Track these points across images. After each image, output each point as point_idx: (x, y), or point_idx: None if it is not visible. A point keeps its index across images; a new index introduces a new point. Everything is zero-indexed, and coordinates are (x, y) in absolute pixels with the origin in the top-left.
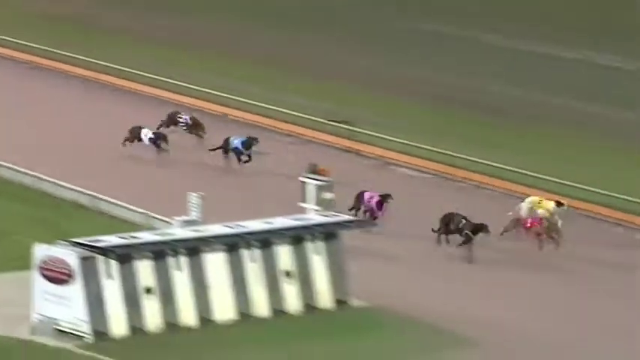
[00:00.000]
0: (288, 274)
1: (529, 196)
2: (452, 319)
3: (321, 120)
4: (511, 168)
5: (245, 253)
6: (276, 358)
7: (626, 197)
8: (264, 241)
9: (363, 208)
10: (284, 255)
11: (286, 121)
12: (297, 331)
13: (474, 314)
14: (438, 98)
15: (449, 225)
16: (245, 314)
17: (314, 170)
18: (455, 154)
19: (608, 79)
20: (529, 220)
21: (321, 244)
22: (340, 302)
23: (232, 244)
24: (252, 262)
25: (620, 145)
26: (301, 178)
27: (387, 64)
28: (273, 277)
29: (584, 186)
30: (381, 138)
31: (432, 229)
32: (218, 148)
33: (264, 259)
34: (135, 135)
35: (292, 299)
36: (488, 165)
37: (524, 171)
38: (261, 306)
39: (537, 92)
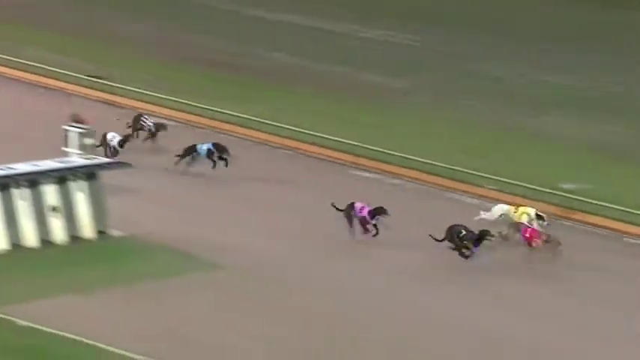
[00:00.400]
0: (54, 209)
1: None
2: (202, 246)
3: (83, 76)
4: (246, 116)
5: (15, 192)
6: (44, 283)
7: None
8: (33, 181)
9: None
10: (50, 193)
11: (56, 78)
12: (63, 259)
13: (223, 242)
14: (187, 59)
15: (454, 237)
16: (17, 245)
17: (76, 119)
18: (195, 104)
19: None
20: (528, 231)
21: (83, 183)
22: (101, 233)
23: (3, 185)
24: (22, 200)
25: (354, 100)
26: (64, 126)
27: (147, 29)
28: (41, 212)
29: (315, 132)
30: (135, 91)
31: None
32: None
33: (32, 197)
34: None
35: (59, 231)
36: (221, 113)
37: (260, 119)
38: (30, 238)
39: (280, 53)
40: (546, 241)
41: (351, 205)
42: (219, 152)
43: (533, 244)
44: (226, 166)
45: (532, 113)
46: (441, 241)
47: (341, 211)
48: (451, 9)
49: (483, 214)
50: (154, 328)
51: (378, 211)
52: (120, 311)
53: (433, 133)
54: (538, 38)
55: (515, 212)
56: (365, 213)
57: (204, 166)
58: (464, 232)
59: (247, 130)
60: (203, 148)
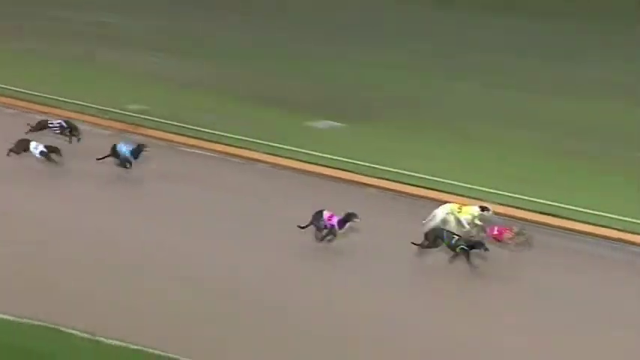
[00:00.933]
0: None
1: None
2: None
3: None
4: None
5: None
6: None
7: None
8: None
9: (323, 227)
10: None
11: None
12: None
13: None
14: None
15: (437, 240)
16: None
17: None
18: None
19: None
20: (496, 229)
21: None
22: None
23: None
24: None
25: None
26: None
27: None
28: None
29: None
30: None
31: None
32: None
33: None
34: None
35: None
36: None
37: None
38: None
39: None
40: (517, 234)
41: (319, 214)
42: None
43: (504, 240)
44: None
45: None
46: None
47: (304, 227)
48: None
49: (428, 220)
50: None
51: (348, 217)
52: None
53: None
54: None
55: (459, 212)
56: (334, 222)
57: None
58: (456, 238)
59: None
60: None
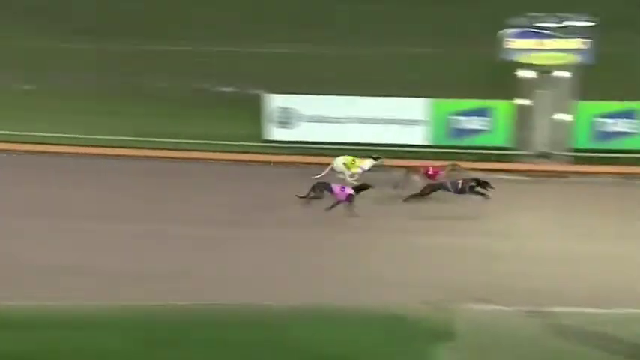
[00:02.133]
0: None
1: None
2: None
3: None
4: None
5: None
6: None
7: None
8: None
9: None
10: None
11: None
12: None
13: None
14: None
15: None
16: None
17: None
18: None
19: None
20: (430, 169)
21: None
22: None
23: None
24: None
25: None
26: None
27: None
28: None
29: None
30: None
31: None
32: None
33: None
34: None
35: None
36: None
37: None
38: None
39: None
40: (450, 170)
41: (326, 187)
42: None
43: (439, 177)
44: None
45: None
46: (422, 195)
47: (309, 198)
48: None
49: (331, 168)
50: None
51: (362, 188)
52: None
53: None
54: None
55: (352, 163)
56: (349, 192)
57: None
58: (460, 182)
59: None
60: None
